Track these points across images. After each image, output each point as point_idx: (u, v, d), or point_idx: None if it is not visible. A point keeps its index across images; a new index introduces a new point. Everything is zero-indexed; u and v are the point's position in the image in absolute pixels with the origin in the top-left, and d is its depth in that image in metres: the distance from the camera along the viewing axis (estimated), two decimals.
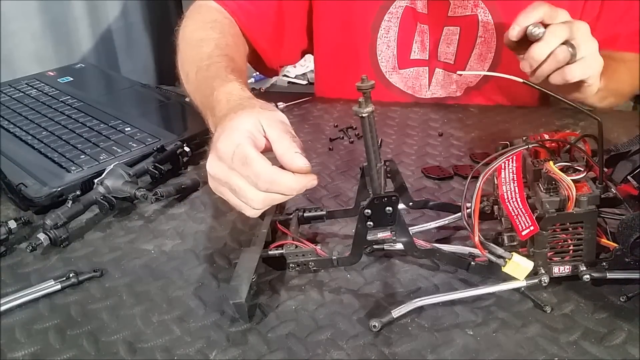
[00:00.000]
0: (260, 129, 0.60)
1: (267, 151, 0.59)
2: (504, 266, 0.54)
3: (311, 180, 0.58)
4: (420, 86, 1.04)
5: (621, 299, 0.55)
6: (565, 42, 0.76)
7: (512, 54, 0.93)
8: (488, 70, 1.00)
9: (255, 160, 0.57)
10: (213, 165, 0.60)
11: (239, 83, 0.72)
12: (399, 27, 1.00)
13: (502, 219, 0.60)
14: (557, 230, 0.54)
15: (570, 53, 0.76)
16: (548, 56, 0.76)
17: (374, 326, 0.53)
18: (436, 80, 1.03)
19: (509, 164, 0.56)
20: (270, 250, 0.61)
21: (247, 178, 0.57)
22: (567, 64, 0.77)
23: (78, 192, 0.72)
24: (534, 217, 0.53)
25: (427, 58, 1.02)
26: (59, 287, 0.60)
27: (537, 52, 0.76)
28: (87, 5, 1.48)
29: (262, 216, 0.63)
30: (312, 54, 1.11)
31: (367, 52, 1.02)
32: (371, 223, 0.56)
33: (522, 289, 0.56)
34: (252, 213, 0.61)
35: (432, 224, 0.66)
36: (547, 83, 0.81)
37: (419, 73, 1.03)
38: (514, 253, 0.54)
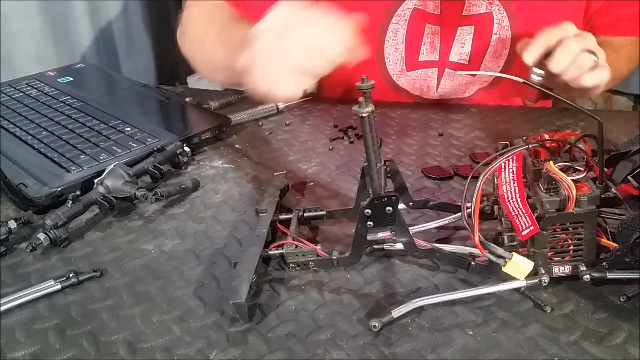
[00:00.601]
0: None
1: None
2: (504, 266, 0.54)
3: None
4: (428, 87, 1.03)
5: (621, 299, 0.55)
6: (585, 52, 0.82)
7: None
8: (503, 67, 0.98)
9: None
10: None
11: None
12: (407, 29, 0.98)
13: (502, 219, 0.60)
14: (557, 230, 0.54)
15: (594, 60, 0.81)
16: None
17: (374, 326, 0.53)
18: (445, 81, 1.02)
19: (509, 164, 0.56)
20: (270, 250, 0.61)
21: None
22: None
23: (78, 192, 0.72)
24: (534, 217, 0.53)
25: (437, 59, 1.00)
26: (59, 287, 0.60)
27: (556, 65, 0.81)
28: (88, 5, 1.48)
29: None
30: None
31: (374, 56, 1.01)
32: (371, 223, 0.56)
33: (522, 289, 0.56)
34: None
35: (432, 224, 0.66)
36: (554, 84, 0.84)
37: (427, 74, 1.02)
38: (514, 253, 0.54)
